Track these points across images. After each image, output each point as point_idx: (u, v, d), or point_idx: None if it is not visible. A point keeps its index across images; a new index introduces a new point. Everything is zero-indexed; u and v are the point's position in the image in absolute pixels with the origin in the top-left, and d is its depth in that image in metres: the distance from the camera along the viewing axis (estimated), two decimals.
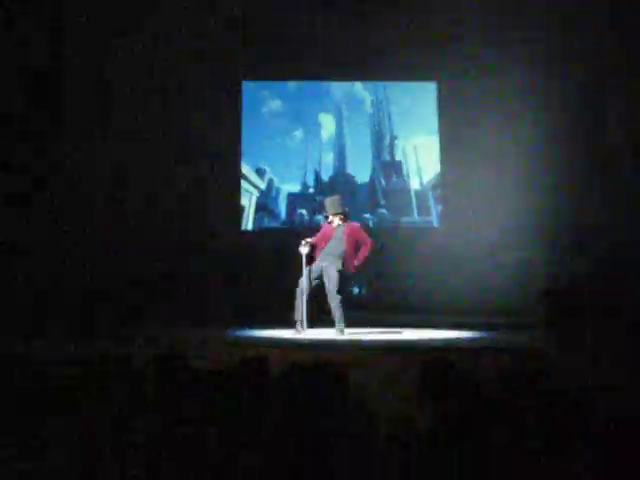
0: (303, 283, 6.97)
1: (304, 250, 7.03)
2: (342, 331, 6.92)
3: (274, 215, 11.06)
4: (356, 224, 7.39)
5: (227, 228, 10.74)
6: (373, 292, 10.39)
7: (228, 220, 10.77)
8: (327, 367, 3.00)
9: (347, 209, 7.41)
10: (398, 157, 11.17)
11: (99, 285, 9.70)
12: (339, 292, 6.95)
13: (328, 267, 6.98)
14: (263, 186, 11.04)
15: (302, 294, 6.94)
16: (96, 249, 10.07)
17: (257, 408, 2.88)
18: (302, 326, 6.91)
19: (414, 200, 11.07)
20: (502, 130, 10.57)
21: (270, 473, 2.46)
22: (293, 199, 11.05)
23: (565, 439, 2.41)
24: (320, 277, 7.02)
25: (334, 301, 6.92)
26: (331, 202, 7.25)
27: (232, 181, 10.90)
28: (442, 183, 11.00)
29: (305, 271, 7.01)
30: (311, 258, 7.10)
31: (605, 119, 10.18)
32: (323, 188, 11.12)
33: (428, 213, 11.07)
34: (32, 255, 9.46)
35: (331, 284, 6.92)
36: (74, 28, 10.13)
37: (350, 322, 7.16)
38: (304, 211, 11.05)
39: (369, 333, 7.31)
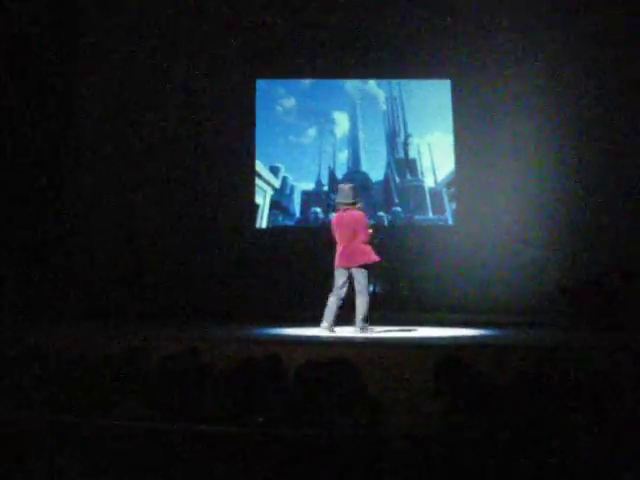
0: (337, 295, 7.06)
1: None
2: (365, 329, 6.98)
3: (288, 213, 11.13)
4: (357, 214, 7.17)
5: (242, 226, 10.98)
6: (387, 290, 10.41)
7: (243, 218, 10.95)
8: (342, 364, 3.04)
9: (361, 203, 7.37)
10: (412, 155, 11.14)
11: (113, 283, 10.02)
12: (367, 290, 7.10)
13: (356, 272, 7.01)
14: (277, 184, 11.07)
15: (336, 305, 7.05)
16: (108, 246, 10.39)
17: (271, 406, 2.91)
18: (330, 328, 7.02)
19: (428, 198, 11.06)
20: (518, 127, 10.49)
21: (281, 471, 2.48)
22: (307, 197, 11.04)
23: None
24: (351, 282, 7.07)
25: (363, 298, 6.97)
26: (345, 190, 7.24)
27: (247, 179, 10.94)
28: (456, 181, 10.95)
29: (339, 282, 7.04)
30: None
31: (626, 115, 10.06)
32: (337, 186, 11.05)
33: (442, 211, 11.05)
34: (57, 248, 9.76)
35: (361, 285, 7.00)
36: (87, 19, 10.24)
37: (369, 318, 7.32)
38: (318, 209, 11.14)
39: (385, 331, 7.38)
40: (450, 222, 10.99)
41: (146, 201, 10.70)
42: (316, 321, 8.19)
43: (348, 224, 7.00)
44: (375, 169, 11.18)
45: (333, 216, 7.56)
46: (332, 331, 6.94)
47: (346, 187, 7.23)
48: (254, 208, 10.99)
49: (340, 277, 7.07)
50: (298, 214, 11.13)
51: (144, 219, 10.61)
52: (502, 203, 10.43)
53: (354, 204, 7.10)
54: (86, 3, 10.28)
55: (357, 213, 7.05)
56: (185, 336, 6.70)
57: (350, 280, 7.06)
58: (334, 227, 7.15)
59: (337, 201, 7.18)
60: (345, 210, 7.08)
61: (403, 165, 11.12)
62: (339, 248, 7.07)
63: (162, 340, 6.11)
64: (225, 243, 10.59)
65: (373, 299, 8.53)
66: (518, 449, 2.39)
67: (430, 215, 11.02)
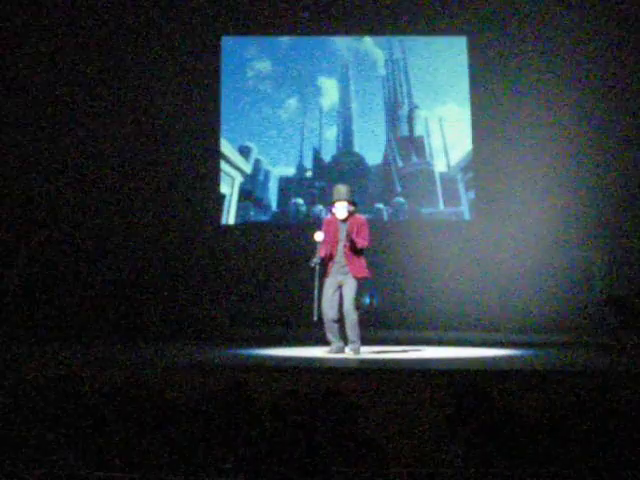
0: (327, 313, 7.28)
1: (319, 237, 7.31)
2: (357, 350, 7.24)
3: (262, 206, 11.16)
4: (363, 218, 7.55)
5: (203, 223, 10.98)
6: (387, 302, 10.50)
7: (204, 213, 11.00)
8: (332, 397, 3.02)
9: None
10: (419, 132, 11.22)
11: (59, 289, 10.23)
12: (357, 306, 7.30)
13: (346, 279, 7.33)
14: (248, 169, 11.16)
15: (333, 323, 7.31)
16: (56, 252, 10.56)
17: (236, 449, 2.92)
18: (338, 347, 7.31)
19: (440, 186, 11.08)
20: (552, 95, 10.56)
21: None
22: (286, 185, 11.13)
23: None
24: (340, 294, 7.36)
25: (350, 316, 7.25)
26: (341, 189, 7.48)
27: (209, 163, 11.06)
28: (475, 164, 11.01)
29: (327, 294, 7.29)
30: (322, 265, 7.35)
31: None
32: (324, 171, 11.26)
33: (457, 202, 11.09)
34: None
35: (348, 296, 7.29)
36: None
37: (363, 337, 7.39)
38: (300, 200, 11.12)
39: (384, 352, 7.49)
40: (466, 216, 11.07)
41: (69, 192, 10.78)
42: (295, 340, 8.24)
43: (351, 227, 7.35)
44: (372, 150, 11.25)
45: (327, 216, 7.80)
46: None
47: (344, 187, 7.51)
48: (219, 199, 11.03)
49: (329, 286, 7.36)
50: (275, 207, 11.15)
51: (68, 216, 10.75)
52: (532, 192, 10.56)
53: (355, 204, 7.45)
54: None
55: (362, 218, 7.51)
56: (128, 360, 6.73)
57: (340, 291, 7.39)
58: (328, 228, 7.45)
59: (335, 199, 7.43)
60: (344, 209, 7.40)
61: (407, 145, 11.21)
62: (330, 251, 7.38)
63: (102, 365, 6.19)
64: (181, 245, 10.87)
65: (369, 313, 8.82)
66: None
67: (441, 207, 11.06)
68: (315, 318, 7.23)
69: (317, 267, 7.26)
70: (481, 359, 7.05)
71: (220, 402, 3.23)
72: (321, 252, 7.31)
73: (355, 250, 7.25)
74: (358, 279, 7.27)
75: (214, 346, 8.16)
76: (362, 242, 7.24)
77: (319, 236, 7.31)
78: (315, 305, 7.23)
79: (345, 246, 7.27)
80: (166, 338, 9.07)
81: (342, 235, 7.31)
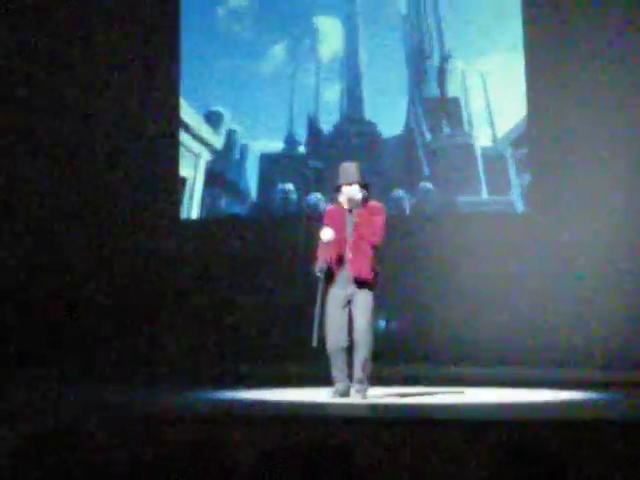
0: (334, 338, 7.35)
1: (328, 235, 7.33)
2: (365, 393, 7.33)
3: (237, 193, 11.22)
4: (379, 205, 7.63)
5: (157, 217, 11.04)
6: (410, 326, 10.64)
7: (158, 203, 11.08)
8: (337, 459, 3.14)
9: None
10: (453, 91, 11.20)
11: None
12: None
13: (357, 293, 7.41)
14: (218, 143, 11.28)
15: (341, 352, 7.38)
16: None
17: None
18: (344, 388, 7.38)
19: (481, 166, 11.00)
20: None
21: None
22: (270, 166, 11.19)
23: None
24: (350, 312, 7.46)
25: (364, 343, 7.31)
26: (350, 168, 7.56)
27: (165, 135, 11.16)
28: (530, 137, 10.96)
29: (333, 312, 7.38)
30: (328, 274, 7.42)
31: None
32: (322, 147, 11.25)
33: (506, 189, 11.01)
34: None
35: (363, 315, 7.36)
36: None
37: (373, 374, 7.43)
38: (290, 186, 11.17)
39: (406, 395, 7.48)
40: (519, 207, 11.01)
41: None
42: (285, 377, 8.46)
43: (361, 218, 7.44)
44: (389, 117, 11.26)
45: (329, 206, 7.83)
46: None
47: (353, 165, 7.60)
48: (177, 185, 11.19)
49: (335, 301, 7.42)
50: (254, 195, 11.27)
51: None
52: (611, 176, 10.47)
53: (367, 188, 7.56)
54: None
55: (377, 205, 7.58)
56: (58, 403, 6.88)
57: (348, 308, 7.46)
58: (332, 222, 7.51)
59: (342, 182, 7.50)
60: (355, 196, 7.49)
61: (437, 110, 11.20)
62: (334, 254, 7.44)
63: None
64: (127, 246, 10.95)
65: (384, 340, 8.86)
66: None
67: (484, 196, 11.00)
68: (314, 344, 7.21)
69: (321, 276, 7.32)
70: (532, 405, 7.02)
71: (187, 465, 3.32)
72: (327, 256, 7.34)
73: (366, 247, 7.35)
74: (372, 289, 7.33)
75: (177, 388, 8.21)
76: (372, 237, 7.34)
77: (328, 234, 7.33)
78: (315, 325, 7.23)
79: (354, 244, 7.36)
80: (106, 377, 9.18)
81: (359, 226, 7.40)
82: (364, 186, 7.47)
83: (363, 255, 7.36)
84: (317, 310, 7.25)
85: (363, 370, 7.28)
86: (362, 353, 7.28)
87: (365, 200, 7.49)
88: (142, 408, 6.89)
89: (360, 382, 7.29)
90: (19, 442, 3.61)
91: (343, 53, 11.34)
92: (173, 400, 7.53)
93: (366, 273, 7.35)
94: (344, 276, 7.35)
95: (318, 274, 7.29)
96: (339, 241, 7.37)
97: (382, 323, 10.56)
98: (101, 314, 10.71)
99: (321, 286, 7.27)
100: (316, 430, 5.47)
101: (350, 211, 7.43)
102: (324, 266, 7.28)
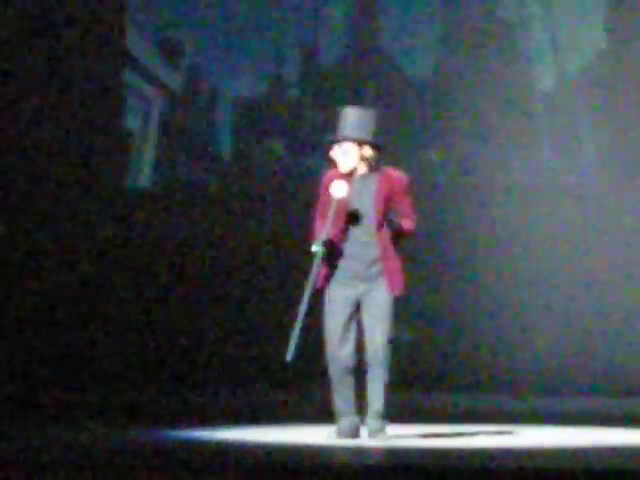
0: (335, 354, 6.91)
1: (340, 191, 6.75)
2: (384, 433, 6.76)
3: (203, 153, 10.98)
4: (401, 176, 6.95)
5: (98, 185, 10.75)
6: (427, 339, 10.39)
7: (99, 168, 10.76)
8: None
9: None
10: (505, 14, 10.70)
11: None
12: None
13: (371, 292, 6.87)
14: (177, 84, 10.91)
15: (347, 375, 6.90)
16: None
17: None
18: (352, 425, 6.84)
19: (544, 117, 10.54)
20: None
21: None
22: (250, 115, 10.89)
23: None
24: (357, 316, 6.91)
25: (382, 369, 6.82)
26: (351, 115, 6.99)
27: (105, 73, 10.73)
28: (610, 78, 10.49)
29: (334, 319, 6.88)
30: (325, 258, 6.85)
31: None
32: (321, 88, 10.97)
33: (575, 149, 10.61)
34: None
35: (379, 325, 6.85)
36: None
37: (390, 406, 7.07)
38: (277, 144, 11.04)
39: (438, 436, 7.16)
40: (591, 176, 10.62)
41: None
42: (269, 409, 8.58)
43: (379, 194, 6.95)
44: (413, 46, 10.67)
45: (328, 172, 7.16)
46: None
47: (356, 111, 7.03)
48: (122, 141, 10.94)
49: (341, 308, 6.88)
50: (227, 156, 11.02)
51: None
52: None
53: (379, 148, 6.88)
54: None
55: (398, 174, 7.01)
56: None
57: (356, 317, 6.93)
58: (331, 198, 6.88)
59: (343, 135, 6.83)
60: (349, 158, 6.90)
61: (483, 39, 10.69)
62: (337, 238, 6.88)
63: None
64: (48, 224, 10.49)
65: (399, 357, 7.71)
66: None
67: (546, 156, 10.66)
68: (289, 357, 6.59)
69: (318, 259, 6.64)
70: (609, 449, 6.31)
71: None
72: (330, 230, 6.76)
73: (392, 237, 6.78)
74: (394, 295, 6.78)
75: (125, 428, 7.67)
76: (408, 223, 6.80)
77: (341, 189, 6.66)
78: (295, 330, 6.60)
79: (378, 230, 6.80)
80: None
81: (363, 195, 6.82)
82: (374, 145, 6.75)
83: (389, 248, 6.85)
84: (303, 307, 6.55)
85: (379, 396, 6.75)
86: (380, 376, 6.73)
87: (375, 165, 6.75)
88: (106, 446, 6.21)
89: (377, 417, 6.67)
90: None
91: None
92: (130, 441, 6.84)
93: (392, 275, 6.84)
94: (348, 271, 6.76)
95: (315, 249, 6.66)
96: (339, 222, 6.80)
97: (405, 336, 9.99)
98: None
99: (315, 269, 6.62)
100: None
101: (361, 180, 6.79)
102: (325, 237, 6.66)
